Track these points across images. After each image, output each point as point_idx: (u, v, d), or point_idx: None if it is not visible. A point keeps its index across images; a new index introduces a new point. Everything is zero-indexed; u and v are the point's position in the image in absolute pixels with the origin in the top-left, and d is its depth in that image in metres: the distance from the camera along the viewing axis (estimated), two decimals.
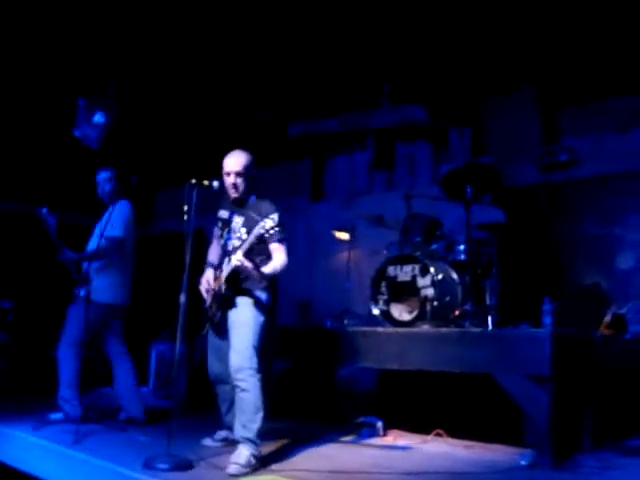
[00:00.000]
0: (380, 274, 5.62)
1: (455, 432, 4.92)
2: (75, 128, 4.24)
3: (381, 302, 5.56)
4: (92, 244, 5.38)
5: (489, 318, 5.40)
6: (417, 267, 5.46)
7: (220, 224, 4.52)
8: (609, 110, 6.59)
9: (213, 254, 4.65)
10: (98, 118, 4.31)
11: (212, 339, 4.49)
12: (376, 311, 5.55)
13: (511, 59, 7.17)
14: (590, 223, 6.76)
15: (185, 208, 4.01)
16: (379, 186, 8.54)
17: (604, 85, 6.61)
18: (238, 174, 4.35)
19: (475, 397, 5.12)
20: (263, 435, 4.15)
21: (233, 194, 4.38)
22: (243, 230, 4.21)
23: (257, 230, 3.98)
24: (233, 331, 4.21)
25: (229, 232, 4.40)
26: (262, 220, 3.98)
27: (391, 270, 5.58)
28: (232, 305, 4.25)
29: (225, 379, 4.36)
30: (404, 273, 5.51)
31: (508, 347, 4.35)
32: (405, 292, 5.46)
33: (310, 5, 6.60)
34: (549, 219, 6.83)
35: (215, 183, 4.25)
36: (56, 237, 5.11)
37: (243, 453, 3.99)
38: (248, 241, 4.05)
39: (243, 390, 4.07)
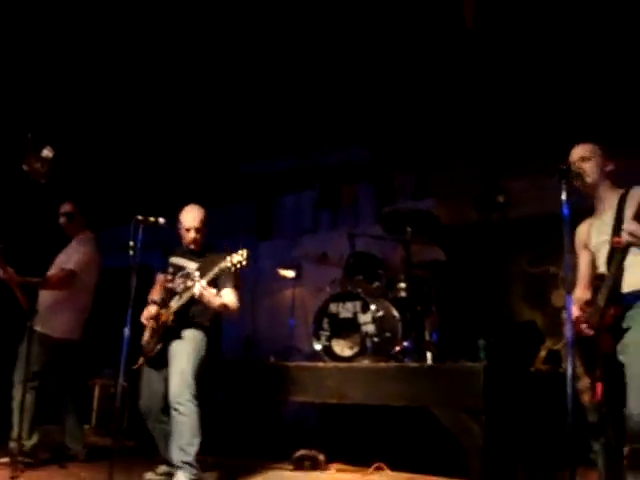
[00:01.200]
0: (322, 311, 5.74)
1: (396, 465, 5.00)
2: (24, 162, 4.28)
3: (323, 338, 5.66)
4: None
5: (428, 354, 5.56)
6: (358, 304, 5.59)
7: (172, 269, 4.66)
8: (542, 154, 6.90)
9: (155, 294, 4.74)
10: (46, 153, 4.36)
11: (146, 374, 4.56)
12: (318, 347, 5.66)
13: (453, 106, 7.45)
14: (527, 261, 7.01)
15: (131, 243, 4.09)
16: (325, 224, 8.71)
17: (537, 131, 6.94)
18: (198, 230, 4.59)
19: (416, 430, 5.23)
20: (203, 468, 4.20)
21: (192, 246, 4.61)
22: (197, 273, 4.35)
23: (223, 263, 4.16)
24: (175, 359, 4.32)
25: (181, 276, 4.55)
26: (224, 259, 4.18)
27: (333, 307, 5.71)
28: (176, 337, 4.37)
29: (154, 415, 4.45)
30: (346, 310, 5.64)
31: (443, 381, 4.51)
32: (346, 328, 5.58)
33: (259, 48, 6.76)
34: (488, 258, 7.05)
35: (161, 220, 4.37)
36: (1, 260, 4.92)
37: (181, 478, 4.04)
38: (212, 272, 4.24)
39: (181, 414, 4.14)
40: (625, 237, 3.25)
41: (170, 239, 4.85)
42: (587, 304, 3.52)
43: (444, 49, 6.62)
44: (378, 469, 5.01)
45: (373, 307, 5.50)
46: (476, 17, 5.24)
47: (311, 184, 8.99)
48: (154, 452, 4.75)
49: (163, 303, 4.53)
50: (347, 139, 8.47)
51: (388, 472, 4.97)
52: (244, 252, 4.17)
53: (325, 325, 5.69)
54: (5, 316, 5.80)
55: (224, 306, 4.40)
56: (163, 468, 4.62)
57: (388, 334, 5.55)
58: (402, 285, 5.98)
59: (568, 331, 3.10)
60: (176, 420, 4.18)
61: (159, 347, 4.42)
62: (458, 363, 5.18)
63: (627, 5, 5.65)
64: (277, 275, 7.46)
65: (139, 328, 4.45)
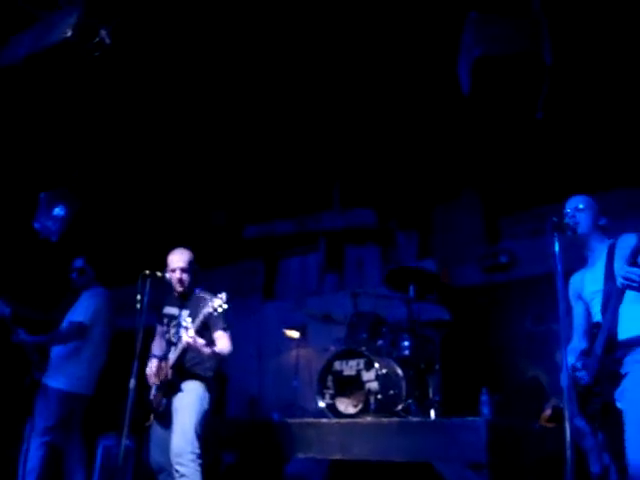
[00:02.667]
0: (326, 368, 5.77)
1: None
2: (35, 220, 4.43)
3: (327, 396, 5.68)
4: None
5: (432, 411, 5.57)
6: (362, 361, 5.62)
7: (166, 320, 4.70)
8: (543, 214, 7.04)
9: (157, 348, 4.79)
10: (58, 211, 4.52)
11: (155, 429, 4.56)
12: (322, 404, 5.67)
13: (454, 169, 7.61)
14: (530, 320, 7.06)
15: (138, 297, 4.19)
16: (330, 286, 8.80)
17: (538, 192, 7.09)
18: (183, 270, 4.60)
19: None
20: None
21: (179, 288, 4.61)
22: (189, 320, 4.36)
23: (205, 309, 4.20)
24: (177, 416, 4.32)
25: (176, 326, 4.56)
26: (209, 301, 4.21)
27: (337, 364, 5.74)
28: (177, 391, 4.39)
29: (168, 469, 4.38)
30: (349, 367, 5.67)
31: (446, 436, 4.50)
32: (350, 386, 5.60)
33: (259, 110, 6.92)
34: (491, 317, 7.12)
35: (167, 275, 4.48)
36: (10, 322, 5.07)
37: None
38: (198, 320, 4.24)
39: (182, 475, 4.11)
40: (620, 281, 3.31)
41: None
42: (585, 353, 3.59)
43: (445, 113, 6.80)
44: None
45: (377, 365, 5.53)
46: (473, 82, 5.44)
47: (315, 247, 9.11)
48: None
49: (164, 356, 4.58)
50: (351, 202, 8.63)
51: None
52: (223, 295, 4.19)
53: (329, 383, 5.71)
54: (14, 370, 5.86)
55: (216, 353, 4.39)
56: None
57: (392, 392, 5.56)
58: (406, 344, 6.03)
59: (563, 381, 3.17)
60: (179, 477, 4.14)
61: (164, 402, 4.43)
62: (461, 418, 5.20)
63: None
64: (283, 335, 7.52)
65: (146, 385, 4.50)
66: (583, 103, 6.17)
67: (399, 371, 5.77)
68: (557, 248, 3.37)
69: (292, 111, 6.89)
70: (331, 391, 5.69)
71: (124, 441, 4.13)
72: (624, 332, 3.42)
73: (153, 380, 4.53)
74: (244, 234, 9.30)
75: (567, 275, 3.73)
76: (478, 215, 7.96)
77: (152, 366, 4.58)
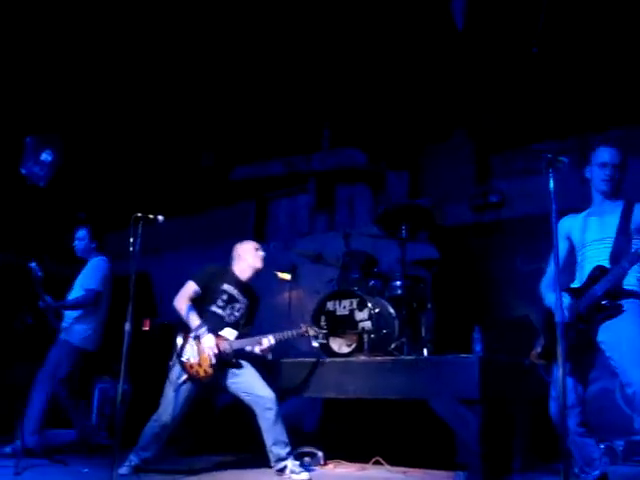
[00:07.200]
0: (319, 309, 5.80)
1: (394, 459, 5.06)
2: (22, 166, 4.36)
3: (321, 336, 5.72)
4: (72, 294, 5.76)
5: (424, 350, 5.63)
6: (355, 301, 5.66)
7: (226, 297, 4.98)
8: (534, 154, 6.99)
9: (197, 317, 4.88)
10: (45, 156, 4.45)
11: (187, 390, 4.79)
12: (316, 344, 5.71)
13: (445, 108, 7.54)
14: (520, 260, 7.08)
15: (131, 240, 4.18)
16: (320, 227, 8.79)
17: (529, 131, 7.03)
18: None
19: (413, 423, 5.29)
20: (204, 469, 4.30)
21: (244, 279, 5.10)
22: (246, 310, 5.08)
23: (300, 331, 4.97)
24: (246, 373, 4.87)
25: (232, 307, 5.01)
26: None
27: (330, 305, 5.78)
28: (238, 366, 4.89)
29: (170, 428, 4.77)
30: (342, 307, 5.71)
31: (439, 373, 4.57)
32: (344, 326, 5.64)
33: (250, 51, 6.82)
34: (482, 256, 7.13)
35: (160, 217, 4.45)
36: (40, 287, 5.39)
37: (292, 464, 4.65)
38: (285, 335, 4.93)
39: (274, 413, 4.68)
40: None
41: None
42: (573, 291, 3.66)
43: (437, 52, 6.71)
44: (376, 463, 5.07)
45: (370, 304, 5.56)
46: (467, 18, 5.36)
47: (305, 187, 9.06)
48: None
49: (212, 329, 4.83)
50: (341, 142, 8.56)
51: (386, 466, 5.03)
52: (321, 332, 5.06)
53: (322, 323, 5.75)
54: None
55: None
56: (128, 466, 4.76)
57: (385, 331, 5.61)
58: (398, 283, 6.05)
59: (558, 317, 3.22)
60: (277, 419, 4.68)
61: (217, 372, 4.80)
62: (454, 355, 5.27)
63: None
64: (275, 277, 7.53)
65: (138, 324, 4.53)
66: (576, 39, 6.09)
67: (392, 310, 5.81)
68: (552, 186, 3.37)
69: (282, 51, 6.78)
70: (324, 331, 5.73)
71: (121, 384, 4.17)
72: (627, 284, 3.60)
73: (212, 352, 4.75)
74: (233, 176, 9.23)
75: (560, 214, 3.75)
76: (469, 154, 7.91)
77: (211, 341, 4.77)
